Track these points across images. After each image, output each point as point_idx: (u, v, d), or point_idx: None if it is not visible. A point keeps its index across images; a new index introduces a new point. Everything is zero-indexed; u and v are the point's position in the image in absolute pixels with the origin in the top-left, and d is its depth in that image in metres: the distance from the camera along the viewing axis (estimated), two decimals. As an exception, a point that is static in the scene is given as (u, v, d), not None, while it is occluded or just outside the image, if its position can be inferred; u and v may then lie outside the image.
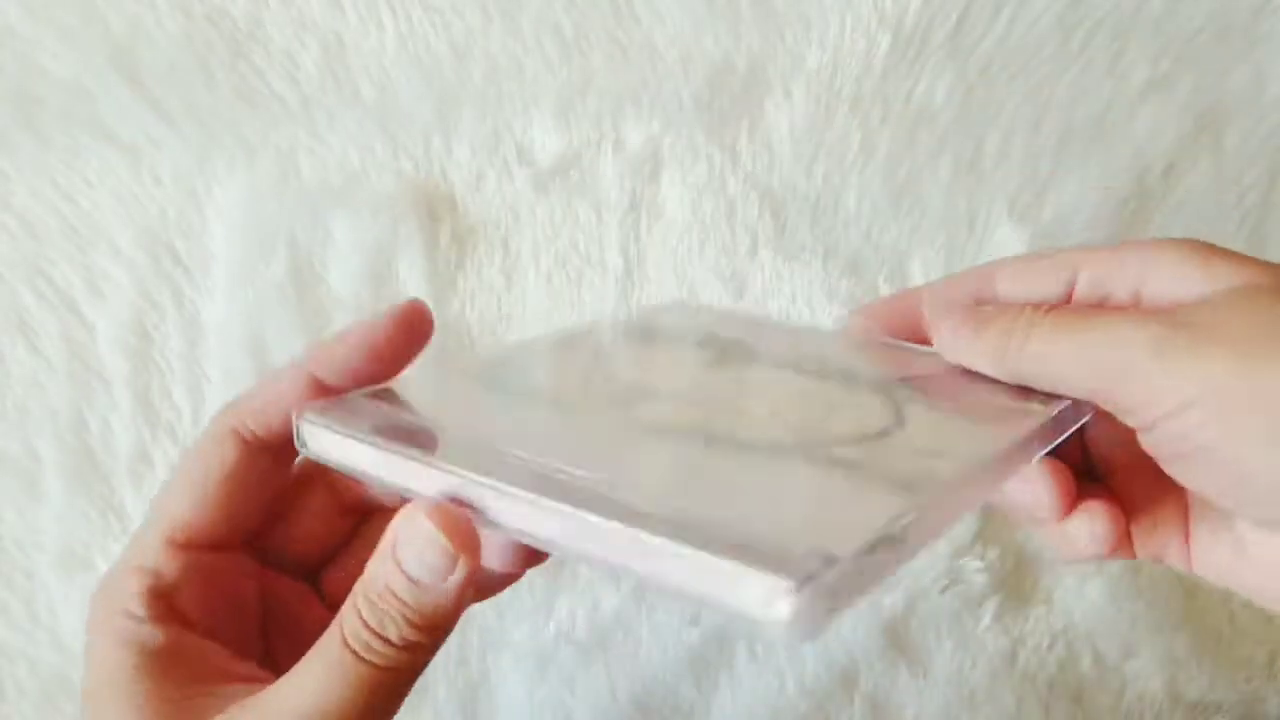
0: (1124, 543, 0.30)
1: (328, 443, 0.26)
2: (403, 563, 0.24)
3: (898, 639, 0.48)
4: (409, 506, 0.24)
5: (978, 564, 0.48)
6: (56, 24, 0.46)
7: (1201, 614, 0.49)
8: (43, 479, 0.47)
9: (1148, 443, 0.27)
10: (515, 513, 0.22)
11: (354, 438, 0.25)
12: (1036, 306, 0.28)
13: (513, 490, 0.22)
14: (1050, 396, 0.28)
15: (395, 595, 0.24)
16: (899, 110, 0.49)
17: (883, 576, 0.20)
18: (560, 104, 0.49)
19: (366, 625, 0.24)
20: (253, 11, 0.47)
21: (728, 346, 0.33)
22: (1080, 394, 0.27)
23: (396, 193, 0.49)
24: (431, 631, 0.25)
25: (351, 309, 0.48)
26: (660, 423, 0.27)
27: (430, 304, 0.30)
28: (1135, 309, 0.28)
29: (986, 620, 0.48)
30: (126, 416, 0.47)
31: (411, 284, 0.49)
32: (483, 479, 0.22)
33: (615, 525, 0.20)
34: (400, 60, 0.48)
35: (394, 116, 0.49)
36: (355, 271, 0.48)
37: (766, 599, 0.18)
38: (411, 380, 0.29)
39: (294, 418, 0.26)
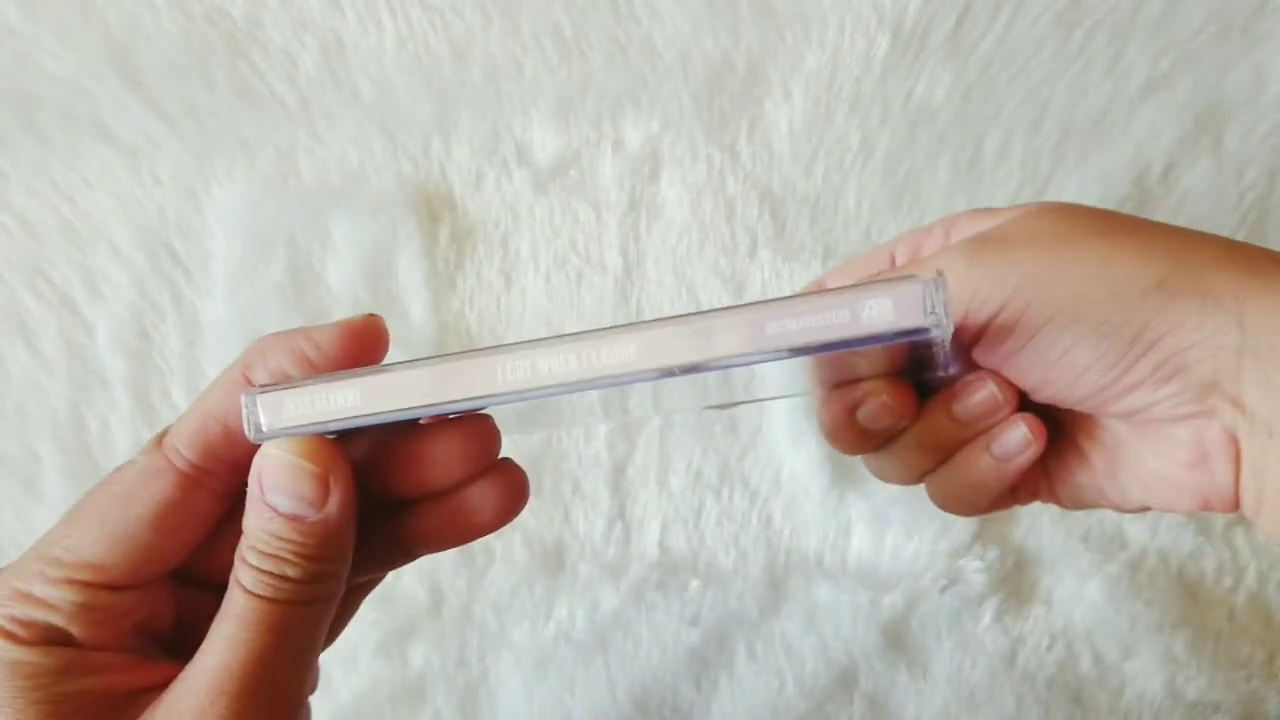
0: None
1: (296, 403, 0.24)
2: (276, 506, 0.24)
3: (897, 639, 0.48)
4: (263, 448, 0.24)
5: (977, 564, 0.48)
6: (56, 24, 0.46)
7: (1201, 614, 0.49)
8: (42, 479, 0.47)
9: (980, 354, 0.29)
10: (541, 367, 0.23)
11: (327, 382, 0.24)
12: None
13: (519, 346, 0.23)
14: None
15: (279, 538, 0.24)
16: (898, 110, 0.49)
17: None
18: (559, 104, 0.49)
19: (265, 572, 0.24)
20: (252, 12, 0.47)
21: None
22: None
23: (396, 193, 0.49)
24: (331, 560, 0.24)
25: (350, 308, 0.48)
26: None
27: (429, 304, 0.30)
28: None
29: (986, 620, 0.48)
30: (126, 416, 0.47)
31: (411, 284, 0.49)
32: (486, 352, 0.23)
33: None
34: (400, 60, 0.48)
35: (393, 116, 0.49)
36: (354, 271, 0.48)
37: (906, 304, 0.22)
38: None
39: (243, 400, 0.24)
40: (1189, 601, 0.49)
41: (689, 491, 0.49)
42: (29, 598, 0.25)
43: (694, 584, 0.48)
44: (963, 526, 0.49)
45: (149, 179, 0.47)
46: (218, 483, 0.26)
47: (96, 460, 0.47)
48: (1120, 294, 0.26)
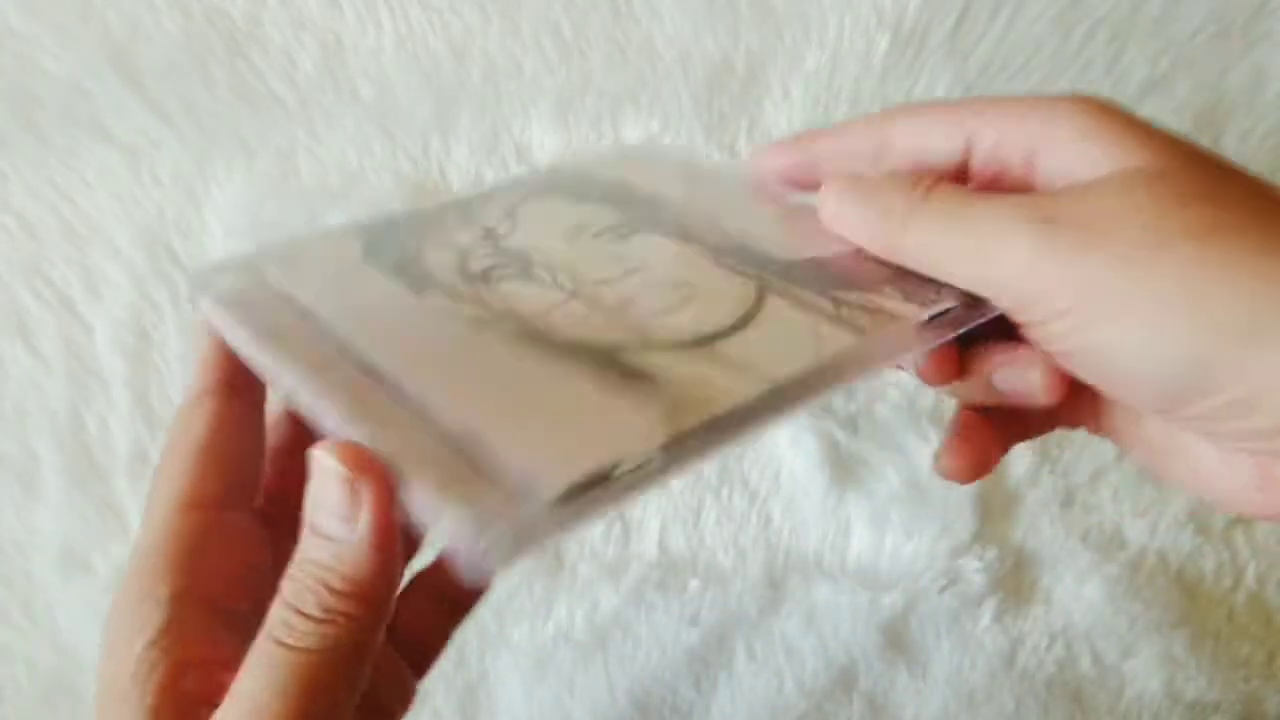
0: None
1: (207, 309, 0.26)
2: (312, 518, 0.22)
3: (896, 639, 0.48)
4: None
5: (976, 564, 0.48)
6: (55, 24, 0.46)
7: (1200, 614, 0.49)
8: (41, 479, 0.47)
9: (1032, 338, 0.26)
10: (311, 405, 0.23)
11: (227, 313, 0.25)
12: (918, 182, 0.27)
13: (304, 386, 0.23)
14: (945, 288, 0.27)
15: (310, 560, 0.22)
16: (898, 110, 0.49)
17: (598, 512, 0.19)
18: (559, 104, 0.49)
19: (286, 603, 0.21)
20: (251, 11, 0.47)
21: (633, 205, 0.32)
22: (964, 286, 0.26)
23: (395, 192, 0.49)
24: (358, 600, 0.21)
25: (350, 309, 0.48)
26: (490, 315, 0.26)
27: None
28: (1022, 196, 0.26)
29: (985, 620, 0.48)
30: (125, 417, 0.47)
31: (410, 284, 0.49)
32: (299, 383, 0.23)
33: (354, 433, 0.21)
34: (399, 60, 0.48)
35: (392, 116, 0.49)
36: (354, 271, 0.48)
37: (456, 531, 0.18)
38: (300, 250, 0.29)
39: (191, 279, 0.25)
40: (1188, 601, 0.49)
41: (688, 491, 0.49)
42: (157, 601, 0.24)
43: (693, 584, 0.48)
44: (962, 526, 0.49)
45: (148, 179, 0.47)
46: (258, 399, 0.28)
47: (96, 460, 0.47)
48: (1203, 333, 0.23)
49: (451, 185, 0.49)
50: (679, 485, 0.49)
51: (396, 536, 0.22)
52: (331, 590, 0.21)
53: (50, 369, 0.47)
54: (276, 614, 0.22)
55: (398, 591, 0.23)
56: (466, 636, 0.48)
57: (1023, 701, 0.48)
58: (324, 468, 0.21)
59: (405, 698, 0.30)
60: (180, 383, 0.48)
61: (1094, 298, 0.24)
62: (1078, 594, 0.49)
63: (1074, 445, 0.51)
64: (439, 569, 0.31)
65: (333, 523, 0.21)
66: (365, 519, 0.21)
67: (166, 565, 0.25)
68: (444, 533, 0.19)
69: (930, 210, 0.26)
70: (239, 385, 0.27)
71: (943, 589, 0.49)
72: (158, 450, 0.48)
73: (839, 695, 0.48)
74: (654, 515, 0.49)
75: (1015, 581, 0.49)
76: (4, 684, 0.47)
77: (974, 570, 0.48)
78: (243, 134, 0.48)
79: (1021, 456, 0.50)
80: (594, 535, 0.48)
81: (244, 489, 0.28)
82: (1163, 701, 0.48)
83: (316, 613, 0.21)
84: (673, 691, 0.48)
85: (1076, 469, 0.50)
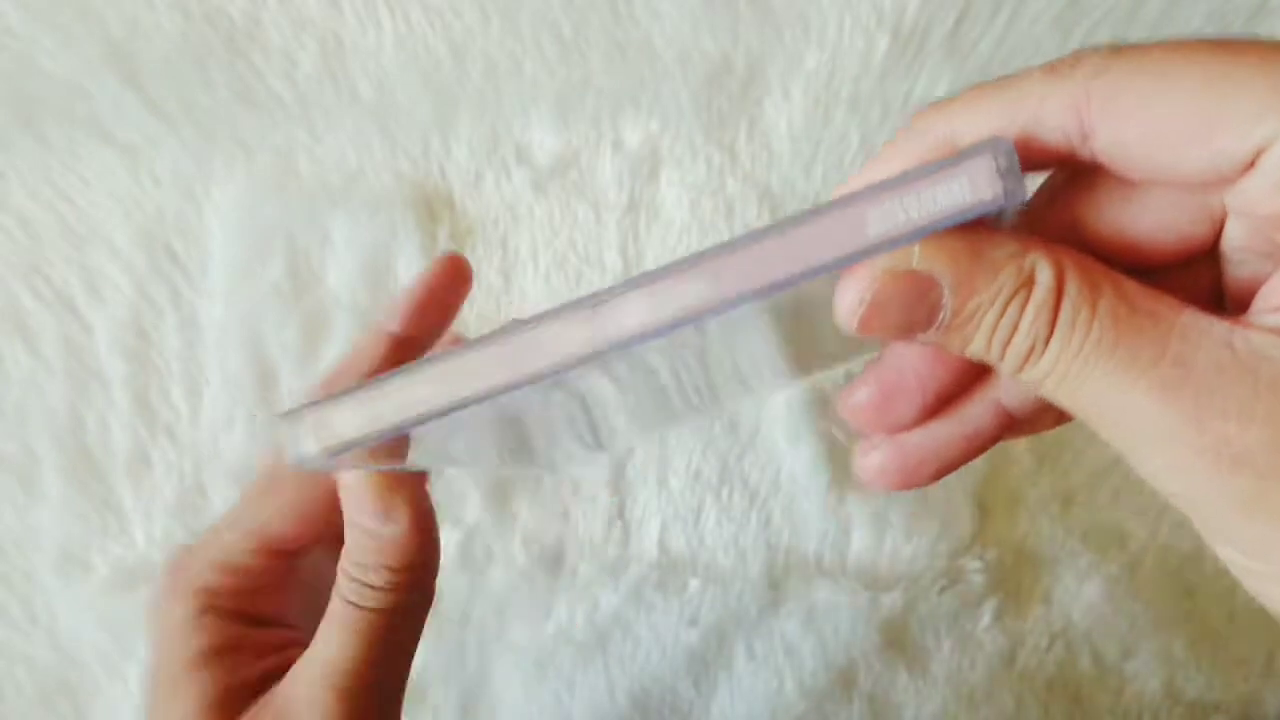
0: None
1: (344, 416, 0.22)
2: (359, 522, 0.27)
3: (896, 639, 0.48)
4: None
5: (977, 564, 0.48)
6: (54, 24, 0.46)
7: (1200, 614, 0.49)
8: (41, 479, 0.47)
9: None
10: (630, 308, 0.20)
11: (373, 388, 0.22)
12: (1059, 260, 0.19)
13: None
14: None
15: (363, 549, 0.27)
16: (898, 110, 0.49)
17: None
18: (559, 104, 0.49)
19: (353, 578, 0.27)
20: (251, 11, 0.47)
21: None
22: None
23: (395, 192, 0.49)
24: (409, 570, 0.27)
25: (349, 309, 0.48)
26: None
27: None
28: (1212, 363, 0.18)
29: (985, 620, 0.48)
30: (124, 417, 0.47)
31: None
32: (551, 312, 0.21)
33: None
34: (398, 60, 0.48)
35: (392, 116, 0.49)
36: (353, 271, 0.48)
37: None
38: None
39: (280, 424, 0.23)
40: (1188, 601, 0.49)
41: (688, 491, 0.49)
42: (225, 566, 0.29)
43: (693, 584, 0.48)
44: (962, 526, 0.49)
45: (148, 179, 0.47)
46: None
47: (96, 460, 0.47)
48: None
49: (452, 185, 0.49)
50: (679, 485, 0.49)
51: (433, 524, 0.28)
52: (388, 568, 0.27)
53: (50, 369, 0.47)
54: (346, 585, 0.27)
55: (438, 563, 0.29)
56: (466, 636, 0.48)
57: (1023, 701, 0.48)
58: (354, 482, 0.27)
59: None
60: (180, 383, 0.48)
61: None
62: (1078, 594, 0.49)
63: (1074, 445, 0.51)
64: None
65: (370, 520, 0.27)
66: (400, 518, 0.27)
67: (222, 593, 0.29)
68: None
69: (1095, 340, 0.19)
70: None
71: (943, 589, 0.49)
72: (157, 450, 0.48)
73: (839, 695, 0.48)
74: (654, 515, 0.49)
75: (1015, 581, 0.49)
76: (4, 684, 0.47)
77: (974, 570, 0.48)
78: (242, 134, 0.48)
79: (1021, 456, 0.50)
80: (594, 535, 0.49)
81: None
82: (1163, 701, 0.48)
83: (380, 583, 0.27)
84: (673, 691, 0.48)
85: (1076, 469, 0.50)
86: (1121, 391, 0.18)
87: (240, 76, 0.47)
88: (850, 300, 0.20)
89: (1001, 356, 0.20)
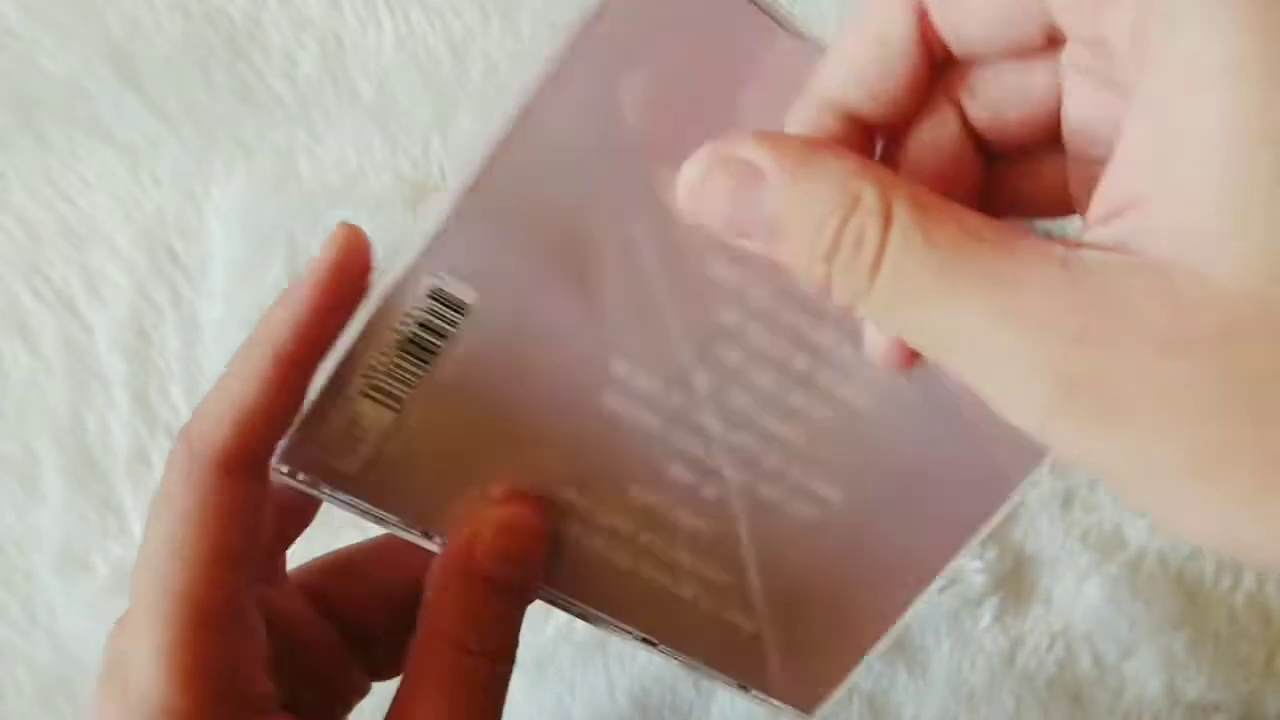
0: None
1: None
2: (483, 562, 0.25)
3: (896, 639, 0.48)
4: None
5: (976, 564, 0.48)
6: (54, 24, 0.46)
7: (1200, 614, 0.49)
8: (41, 479, 0.47)
9: None
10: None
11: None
12: (889, 193, 0.18)
13: None
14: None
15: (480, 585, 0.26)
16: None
17: None
18: (559, 104, 0.49)
19: (461, 617, 0.26)
20: (251, 12, 0.47)
21: None
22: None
23: (395, 192, 0.49)
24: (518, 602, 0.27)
25: (350, 309, 0.48)
26: None
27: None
28: (1043, 277, 0.17)
29: (985, 620, 0.48)
30: (125, 417, 0.47)
31: (410, 284, 0.49)
32: None
33: None
34: (398, 60, 0.48)
35: (393, 116, 0.49)
36: (354, 272, 0.48)
37: None
38: None
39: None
40: (1188, 602, 0.49)
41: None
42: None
43: (693, 584, 0.48)
44: (962, 527, 0.49)
45: (148, 179, 0.47)
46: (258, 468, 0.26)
47: (96, 460, 0.47)
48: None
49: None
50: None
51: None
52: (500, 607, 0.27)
53: (50, 369, 0.47)
54: (453, 629, 0.26)
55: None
56: (466, 637, 0.48)
57: (1023, 702, 0.48)
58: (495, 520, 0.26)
59: (360, 688, 0.32)
60: (180, 383, 0.48)
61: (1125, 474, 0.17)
62: (1078, 594, 0.49)
63: (1074, 445, 0.50)
64: (378, 558, 0.32)
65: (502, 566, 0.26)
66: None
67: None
68: None
69: (882, 289, 0.18)
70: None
71: (942, 589, 0.49)
72: (158, 451, 0.48)
73: (838, 695, 0.48)
74: (654, 515, 0.49)
75: (1015, 581, 0.49)
76: (4, 684, 0.47)
77: (974, 570, 0.48)
78: (242, 134, 0.48)
79: (1021, 457, 0.50)
80: (594, 535, 0.49)
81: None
82: (1163, 702, 0.48)
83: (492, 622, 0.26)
84: (673, 691, 0.48)
85: (1076, 469, 0.50)
86: (957, 317, 0.17)
87: (240, 76, 0.47)
88: (684, 180, 0.20)
89: (828, 278, 0.19)
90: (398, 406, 0.26)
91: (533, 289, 0.25)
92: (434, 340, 0.26)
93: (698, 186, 0.20)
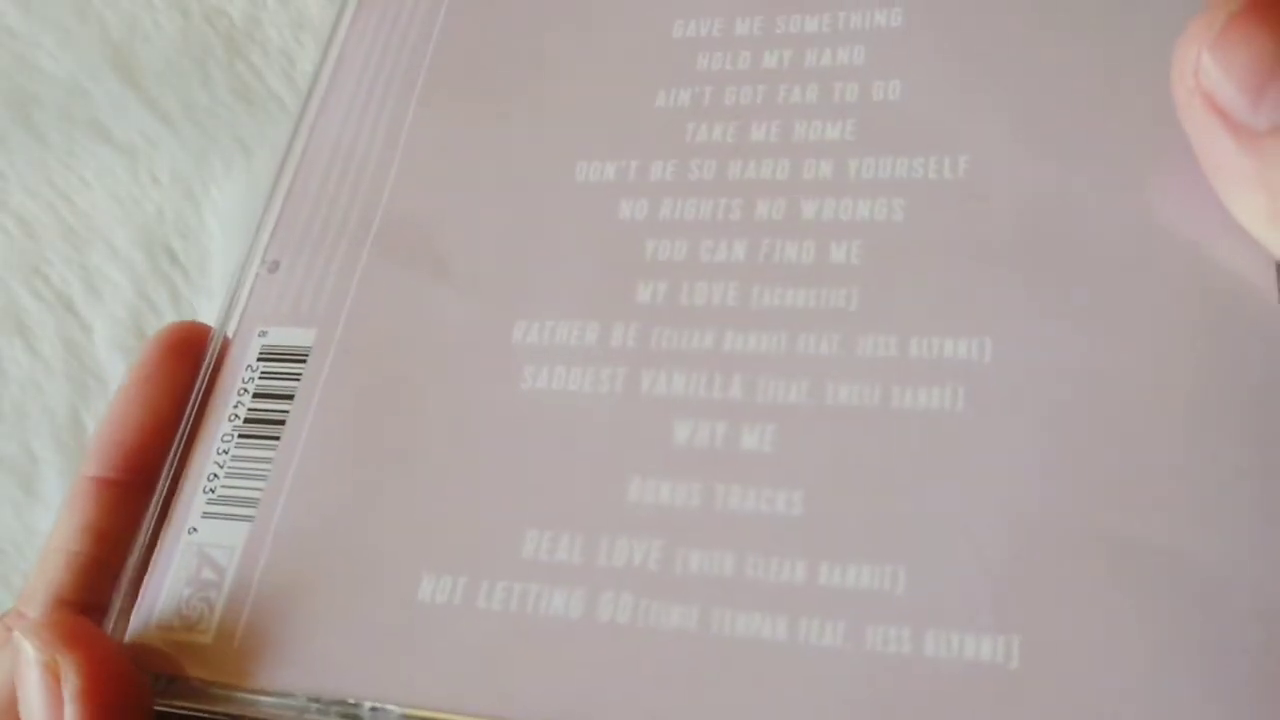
0: None
1: None
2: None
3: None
4: None
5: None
6: (53, 23, 0.46)
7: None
8: (41, 479, 0.47)
9: None
10: None
11: None
12: None
13: None
14: None
15: None
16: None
17: None
18: (558, 104, 0.49)
19: None
20: (250, 11, 0.47)
21: None
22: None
23: (395, 193, 0.49)
24: None
25: (350, 309, 0.48)
26: None
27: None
28: None
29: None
30: (124, 417, 0.47)
31: (410, 284, 0.49)
32: None
33: None
34: (398, 60, 0.48)
35: (392, 116, 0.49)
36: (353, 271, 0.48)
37: None
38: None
39: None
40: (1186, 600, 0.49)
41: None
42: None
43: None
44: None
45: (147, 179, 0.47)
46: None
47: (95, 460, 0.47)
48: None
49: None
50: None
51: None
52: None
53: (50, 369, 0.47)
54: None
55: None
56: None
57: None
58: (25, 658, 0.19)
59: None
60: (180, 383, 0.48)
61: None
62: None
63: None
64: None
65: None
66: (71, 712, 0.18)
67: None
68: None
69: None
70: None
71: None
72: (157, 450, 0.48)
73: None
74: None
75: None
76: (4, 684, 0.47)
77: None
78: (241, 134, 0.48)
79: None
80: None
81: None
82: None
83: None
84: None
85: None
86: None
87: (240, 76, 0.47)
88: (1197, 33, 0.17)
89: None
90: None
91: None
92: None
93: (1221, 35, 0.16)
